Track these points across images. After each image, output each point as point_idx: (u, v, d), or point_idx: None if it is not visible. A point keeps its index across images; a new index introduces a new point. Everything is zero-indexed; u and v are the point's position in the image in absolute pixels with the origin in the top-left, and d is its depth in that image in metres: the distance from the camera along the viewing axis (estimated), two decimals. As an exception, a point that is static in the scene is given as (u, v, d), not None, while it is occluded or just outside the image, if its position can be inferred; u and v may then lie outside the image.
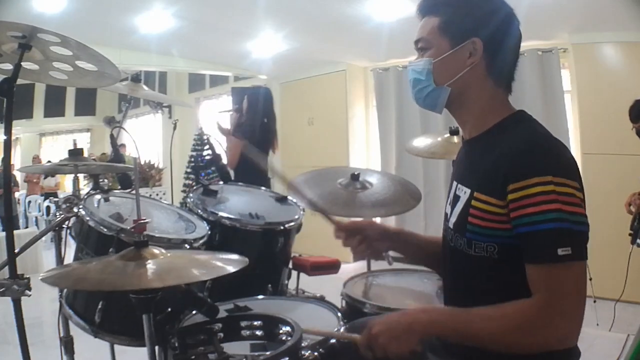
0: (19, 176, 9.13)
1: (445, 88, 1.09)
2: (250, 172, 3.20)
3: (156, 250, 1.11)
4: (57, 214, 1.67)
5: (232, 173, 2.89)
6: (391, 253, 1.48)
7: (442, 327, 1.00)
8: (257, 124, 3.33)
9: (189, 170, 7.00)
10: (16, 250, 1.38)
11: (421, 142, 2.34)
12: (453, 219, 1.10)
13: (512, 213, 0.94)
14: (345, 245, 1.30)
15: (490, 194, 0.99)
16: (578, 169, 0.96)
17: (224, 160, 2.50)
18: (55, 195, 7.97)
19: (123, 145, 7.15)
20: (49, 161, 7.93)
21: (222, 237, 1.70)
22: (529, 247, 0.93)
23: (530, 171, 0.92)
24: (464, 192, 1.07)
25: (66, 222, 1.67)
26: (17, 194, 8.51)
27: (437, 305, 1.06)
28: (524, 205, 0.92)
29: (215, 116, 3.50)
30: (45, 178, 8.66)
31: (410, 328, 0.99)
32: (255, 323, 1.24)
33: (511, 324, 0.92)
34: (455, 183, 1.14)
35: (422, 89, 1.11)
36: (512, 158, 0.96)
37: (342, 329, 1.26)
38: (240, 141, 3.23)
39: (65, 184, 9.14)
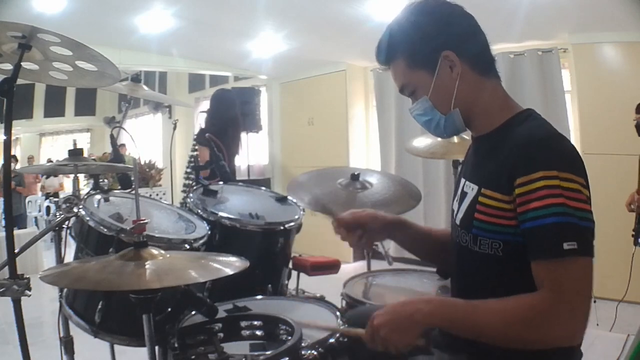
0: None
1: (455, 111, 1.09)
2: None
3: (155, 251, 1.11)
4: (57, 214, 1.66)
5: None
6: (391, 253, 1.48)
7: (445, 318, 0.97)
8: (219, 128, 3.13)
9: (188, 170, 6.99)
10: (16, 250, 1.38)
11: (421, 142, 2.34)
12: (460, 215, 1.10)
13: (519, 208, 0.94)
14: (345, 240, 1.29)
15: (497, 190, 0.99)
16: (584, 166, 0.96)
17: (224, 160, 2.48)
18: (55, 195, 7.98)
19: (123, 145, 7.15)
20: (50, 160, 7.93)
21: (222, 237, 1.70)
22: (534, 242, 0.92)
23: (536, 165, 0.92)
24: (472, 189, 1.07)
25: (66, 222, 1.66)
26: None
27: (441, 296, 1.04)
28: (529, 200, 0.92)
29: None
30: (47, 178, 8.65)
31: (412, 318, 0.97)
32: (255, 323, 1.24)
33: (515, 319, 0.90)
34: (463, 180, 1.14)
35: (437, 125, 1.12)
36: (520, 152, 0.96)
37: (340, 322, 1.26)
38: (205, 147, 2.91)
39: (66, 185, 9.13)
